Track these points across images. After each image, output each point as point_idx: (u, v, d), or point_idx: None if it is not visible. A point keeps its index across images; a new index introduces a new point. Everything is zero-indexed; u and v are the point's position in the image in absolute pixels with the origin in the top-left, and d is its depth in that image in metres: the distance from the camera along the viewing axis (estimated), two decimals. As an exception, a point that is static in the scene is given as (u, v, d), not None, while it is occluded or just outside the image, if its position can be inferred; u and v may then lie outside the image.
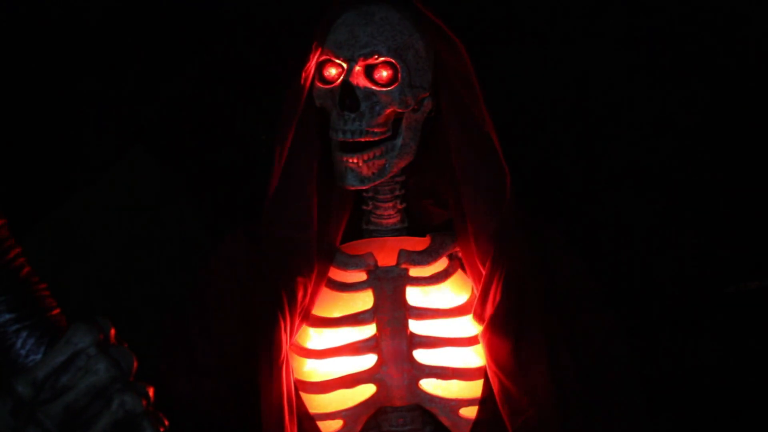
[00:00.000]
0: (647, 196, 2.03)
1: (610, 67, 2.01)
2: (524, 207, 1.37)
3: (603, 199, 2.03)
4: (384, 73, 1.28)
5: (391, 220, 1.38)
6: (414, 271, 1.33)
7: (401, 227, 1.39)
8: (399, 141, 1.31)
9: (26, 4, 1.80)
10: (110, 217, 2.00)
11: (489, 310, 1.26)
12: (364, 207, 1.39)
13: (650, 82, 2.02)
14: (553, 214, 1.49)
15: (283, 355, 1.23)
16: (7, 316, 0.79)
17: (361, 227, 1.40)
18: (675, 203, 2.02)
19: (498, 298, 1.26)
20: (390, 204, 1.37)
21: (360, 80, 1.28)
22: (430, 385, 1.26)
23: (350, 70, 1.28)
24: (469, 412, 1.26)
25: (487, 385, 1.27)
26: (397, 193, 1.37)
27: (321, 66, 1.31)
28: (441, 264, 1.35)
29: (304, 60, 1.32)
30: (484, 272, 1.28)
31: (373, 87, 1.28)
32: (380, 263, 1.33)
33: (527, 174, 1.36)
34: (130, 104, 1.99)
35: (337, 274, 1.34)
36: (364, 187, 1.32)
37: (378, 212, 1.38)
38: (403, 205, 1.39)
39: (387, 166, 1.31)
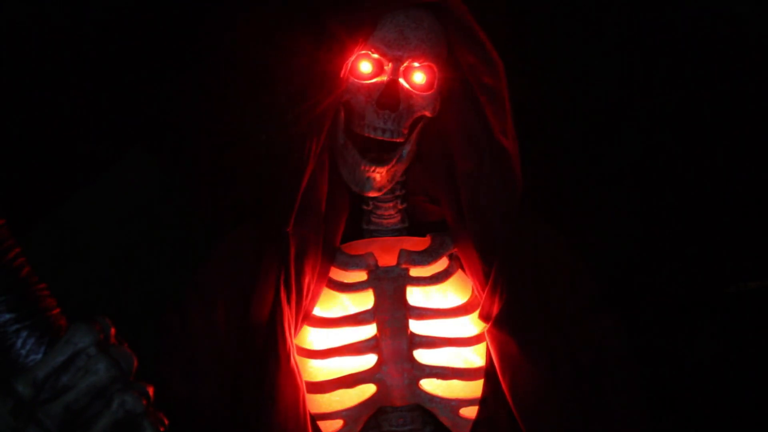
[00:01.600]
0: (647, 195, 2.03)
1: (611, 67, 2.01)
2: (524, 206, 1.37)
3: (602, 198, 2.03)
4: (424, 78, 1.30)
5: (391, 220, 1.39)
6: (414, 271, 1.33)
7: (402, 227, 1.39)
8: (407, 147, 1.33)
9: (26, 4, 1.80)
10: (110, 217, 2.00)
11: (496, 308, 1.26)
12: (365, 207, 1.39)
13: (651, 82, 2.02)
14: (552, 213, 1.49)
15: (293, 355, 1.23)
16: (7, 316, 0.79)
17: (361, 227, 1.40)
18: (675, 203, 2.02)
19: (505, 296, 1.26)
20: (390, 204, 1.38)
21: (402, 81, 1.30)
22: (430, 385, 1.26)
23: (396, 69, 1.29)
24: (470, 412, 1.26)
25: (487, 385, 1.27)
26: (397, 193, 1.38)
27: (354, 60, 1.30)
28: (441, 264, 1.35)
29: (343, 53, 1.28)
30: (491, 271, 1.28)
31: (412, 90, 1.30)
32: (381, 263, 1.33)
33: (527, 173, 1.36)
34: (130, 104, 1.98)
35: (337, 274, 1.34)
36: (380, 194, 1.34)
37: (378, 212, 1.38)
38: (404, 205, 1.39)
39: (397, 171, 1.34)
